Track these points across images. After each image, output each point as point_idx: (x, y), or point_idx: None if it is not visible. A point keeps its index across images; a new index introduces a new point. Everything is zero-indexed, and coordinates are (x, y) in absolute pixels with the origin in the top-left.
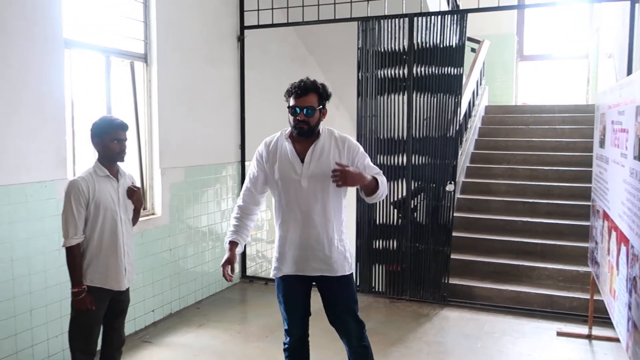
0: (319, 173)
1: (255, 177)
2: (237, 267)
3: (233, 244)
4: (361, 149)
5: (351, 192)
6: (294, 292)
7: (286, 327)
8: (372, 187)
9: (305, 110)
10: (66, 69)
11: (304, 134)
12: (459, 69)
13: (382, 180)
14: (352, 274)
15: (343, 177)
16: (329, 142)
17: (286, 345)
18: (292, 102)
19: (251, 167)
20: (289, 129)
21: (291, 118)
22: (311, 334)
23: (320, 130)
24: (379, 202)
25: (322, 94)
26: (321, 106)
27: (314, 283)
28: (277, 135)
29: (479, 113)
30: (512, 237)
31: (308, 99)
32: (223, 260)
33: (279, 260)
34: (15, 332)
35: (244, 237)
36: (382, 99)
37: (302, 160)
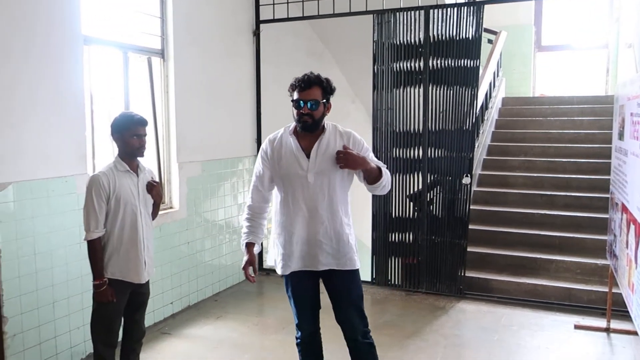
0: (325, 168)
1: (261, 174)
2: None
3: (250, 245)
4: (365, 143)
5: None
6: (302, 287)
7: (297, 322)
8: (374, 174)
9: (309, 103)
10: (85, 65)
11: (308, 128)
12: (475, 61)
13: (386, 172)
14: (358, 269)
15: (346, 159)
16: (334, 136)
17: (298, 340)
18: (295, 95)
19: (256, 165)
20: (293, 124)
21: (295, 112)
22: (323, 326)
23: (325, 125)
24: (395, 195)
25: (326, 88)
26: (325, 100)
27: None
28: (280, 132)
29: (495, 105)
30: (530, 229)
31: (312, 92)
32: (243, 263)
33: (285, 258)
34: (39, 324)
35: (259, 236)
36: (397, 91)
37: (308, 156)
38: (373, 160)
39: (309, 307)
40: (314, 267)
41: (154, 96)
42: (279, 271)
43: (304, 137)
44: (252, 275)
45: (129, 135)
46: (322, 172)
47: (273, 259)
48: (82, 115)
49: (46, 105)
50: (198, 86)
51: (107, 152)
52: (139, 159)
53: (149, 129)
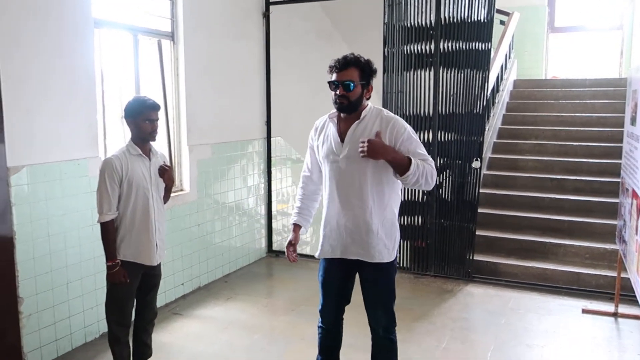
0: (356, 154)
1: (308, 159)
2: (262, 241)
3: (296, 226)
4: (409, 132)
5: None
6: (331, 276)
7: (320, 308)
8: (401, 166)
9: (344, 84)
10: (95, 48)
11: (344, 109)
12: (487, 43)
13: (423, 165)
14: (391, 262)
15: (367, 147)
16: (373, 121)
17: (320, 324)
18: (333, 77)
19: (307, 149)
20: None
21: (332, 94)
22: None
23: (367, 109)
24: None
25: (365, 69)
26: (364, 82)
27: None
28: (325, 116)
29: (507, 87)
30: (539, 214)
31: (348, 73)
32: (287, 242)
33: (321, 242)
34: (53, 304)
35: (307, 219)
36: (408, 74)
37: (343, 140)
38: (414, 152)
39: (333, 295)
40: (344, 255)
41: (164, 79)
42: (316, 254)
43: (345, 121)
44: (294, 255)
45: (142, 120)
46: (353, 159)
47: None
48: (94, 98)
49: (58, 89)
50: (208, 69)
51: (118, 135)
52: (151, 142)
53: (160, 112)
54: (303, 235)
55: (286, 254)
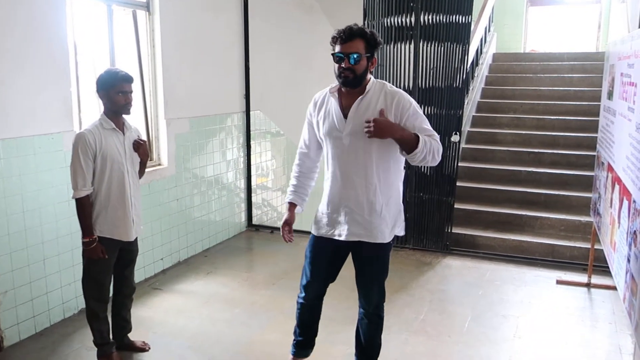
0: (360, 130)
1: (306, 135)
2: (242, 215)
3: (292, 205)
4: (414, 107)
5: None
6: (323, 255)
7: (304, 284)
8: (408, 144)
9: (350, 57)
10: (68, 19)
11: (349, 83)
12: (467, 16)
13: (430, 142)
14: (389, 243)
15: (373, 126)
16: (377, 96)
17: (300, 299)
18: (337, 48)
19: (304, 125)
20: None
21: (336, 67)
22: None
23: (370, 83)
24: None
25: (370, 41)
26: (369, 54)
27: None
28: (326, 90)
29: (486, 61)
30: (517, 187)
31: (354, 44)
32: (282, 221)
33: (318, 218)
34: (30, 281)
35: (303, 198)
36: (388, 48)
37: (346, 116)
38: (420, 128)
39: (321, 275)
40: (341, 236)
41: (139, 51)
42: (312, 229)
43: (347, 95)
44: (289, 235)
45: (114, 93)
46: (358, 135)
47: None
48: (67, 71)
49: (31, 62)
50: (185, 40)
51: (93, 108)
52: (125, 116)
53: (135, 85)
54: (299, 214)
55: (281, 233)
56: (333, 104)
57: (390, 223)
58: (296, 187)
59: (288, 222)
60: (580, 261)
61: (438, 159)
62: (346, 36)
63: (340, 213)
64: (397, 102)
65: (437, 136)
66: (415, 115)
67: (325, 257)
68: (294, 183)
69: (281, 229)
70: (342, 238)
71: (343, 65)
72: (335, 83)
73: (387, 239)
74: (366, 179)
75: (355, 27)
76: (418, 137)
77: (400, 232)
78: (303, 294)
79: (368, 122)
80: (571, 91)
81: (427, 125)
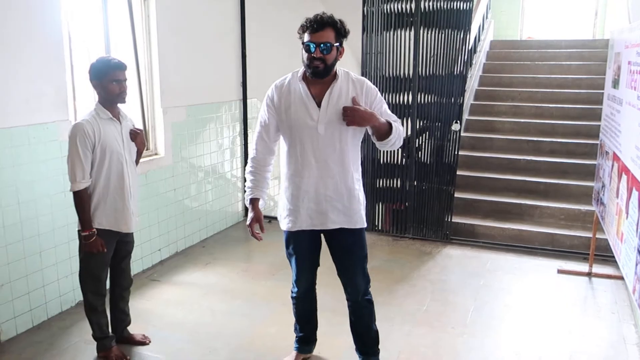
0: (336, 119)
1: (266, 124)
2: (239, 205)
3: (255, 201)
4: (379, 94)
5: None
6: (305, 246)
7: (295, 279)
8: (384, 130)
9: (321, 46)
10: (63, 6)
11: (319, 74)
12: (468, 3)
13: (398, 127)
14: (364, 228)
15: (352, 115)
16: (346, 84)
17: (294, 294)
18: (306, 37)
19: (261, 113)
20: (302, 69)
21: (305, 56)
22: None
23: (337, 72)
24: None
25: (340, 30)
26: (338, 43)
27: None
28: (288, 77)
29: (484, 48)
30: (516, 175)
31: (325, 34)
32: (249, 220)
33: (292, 213)
34: (26, 274)
35: (264, 191)
36: (388, 34)
37: (318, 105)
38: (387, 114)
39: (309, 266)
40: (323, 225)
41: (135, 38)
42: (283, 227)
43: (315, 84)
44: (258, 232)
45: (108, 81)
46: (333, 123)
47: (279, 213)
48: (62, 59)
49: (23, 50)
50: (181, 27)
51: (88, 97)
52: (120, 105)
53: (131, 73)
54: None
55: (251, 233)
56: (303, 92)
57: (364, 207)
58: (255, 181)
59: (257, 219)
60: (580, 250)
61: (401, 143)
62: (317, 25)
63: (319, 203)
64: (367, 89)
65: (399, 121)
66: (381, 102)
67: (308, 249)
68: (252, 178)
69: (250, 229)
70: (324, 227)
71: (314, 54)
72: (297, 70)
73: (364, 223)
74: (343, 167)
75: (325, 16)
76: (390, 124)
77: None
78: (296, 289)
79: (346, 109)
80: (569, 79)
81: (389, 111)
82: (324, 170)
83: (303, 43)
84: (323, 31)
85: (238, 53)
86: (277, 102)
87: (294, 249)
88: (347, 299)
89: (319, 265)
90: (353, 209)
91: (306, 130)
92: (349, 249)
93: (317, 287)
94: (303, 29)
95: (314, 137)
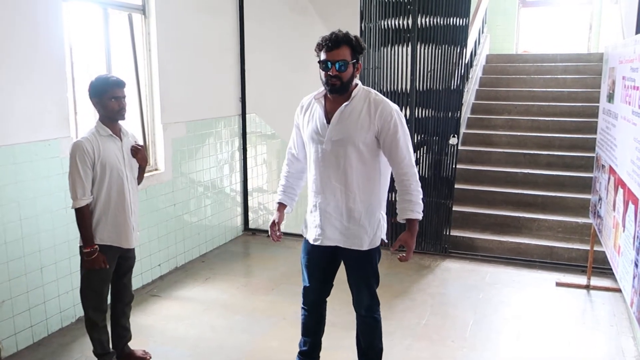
0: (341, 137)
1: (294, 137)
2: (239, 219)
3: (281, 205)
4: (396, 118)
5: None
6: (314, 258)
7: (303, 289)
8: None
9: (337, 64)
10: (64, 23)
11: (336, 90)
12: (464, 19)
13: (417, 194)
14: (372, 250)
15: (407, 258)
16: (362, 104)
17: (302, 305)
18: (323, 56)
19: (294, 127)
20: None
21: (322, 74)
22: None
23: (356, 90)
24: None
25: (356, 47)
26: (354, 60)
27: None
28: (315, 92)
29: (480, 62)
30: (513, 188)
31: (341, 52)
32: (270, 222)
33: (305, 224)
34: (27, 290)
35: (292, 197)
36: (385, 50)
37: (329, 122)
38: (396, 150)
39: (317, 278)
40: (319, 242)
41: (135, 54)
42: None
43: (332, 101)
44: (277, 234)
45: (107, 99)
46: (339, 142)
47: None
48: (63, 76)
49: (25, 67)
50: (181, 44)
51: (89, 114)
52: (120, 122)
53: (132, 89)
54: (288, 214)
55: (269, 233)
56: (317, 109)
57: (371, 231)
58: (285, 187)
59: (276, 222)
60: (578, 263)
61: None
62: (332, 44)
63: (320, 217)
64: (381, 112)
65: (414, 167)
66: (395, 131)
67: (316, 260)
68: (283, 183)
69: (269, 229)
70: (319, 243)
71: (330, 72)
72: (321, 88)
73: (365, 246)
74: (346, 186)
75: (340, 33)
76: (419, 214)
77: (382, 236)
78: (303, 299)
79: (402, 259)
80: (565, 92)
81: (405, 150)
82: (327, 186)
83: (320, 61)
84: (339, 49)
85: (237, 69)
86: (301, 118)
87: (304, 258)
88: (356, 314)
89: (330, 283)
90: (351, 230)
91: (315, 145)
92: (351, 266)
93: None
94: (319, 47)
95: (320, 153)
